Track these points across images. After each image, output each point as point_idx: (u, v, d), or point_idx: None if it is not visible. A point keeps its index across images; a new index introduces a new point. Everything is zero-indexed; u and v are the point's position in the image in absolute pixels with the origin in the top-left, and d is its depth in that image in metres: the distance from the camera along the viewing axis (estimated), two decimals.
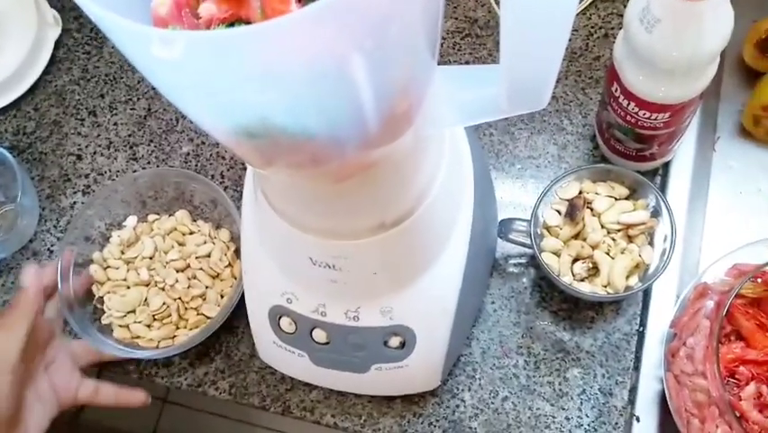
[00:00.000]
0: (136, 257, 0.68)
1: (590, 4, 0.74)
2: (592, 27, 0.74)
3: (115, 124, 0.78)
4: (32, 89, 0.80)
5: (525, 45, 0.34)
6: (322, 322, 0.57)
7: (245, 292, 0.60)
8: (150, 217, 0.71)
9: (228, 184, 0.74)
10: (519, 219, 0.63)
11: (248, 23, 0.34)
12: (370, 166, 0.43)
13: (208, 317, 0.66)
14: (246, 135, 0.34)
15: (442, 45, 0.75)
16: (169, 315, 0.66)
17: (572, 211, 0.61)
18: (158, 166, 0.76)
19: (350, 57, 0.30)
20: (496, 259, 0.68)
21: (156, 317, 0.66)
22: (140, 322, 0.66)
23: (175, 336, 0.66)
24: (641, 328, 0.65)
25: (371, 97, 0.34)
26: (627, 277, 0.61)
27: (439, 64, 0.40)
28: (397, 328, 0.56)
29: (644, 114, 0.58)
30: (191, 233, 0.70)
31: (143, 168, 0.76)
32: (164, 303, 0.66)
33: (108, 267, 0.69)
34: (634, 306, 0.65)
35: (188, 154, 0.76)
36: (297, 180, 0.45)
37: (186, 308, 0.67)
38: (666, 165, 0.69)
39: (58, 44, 0.82)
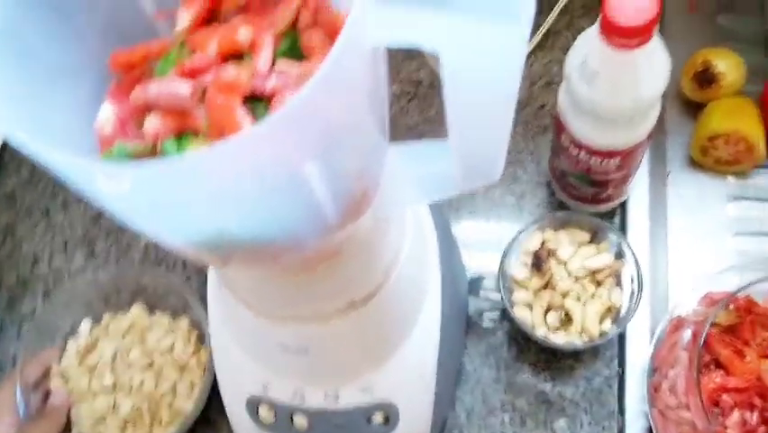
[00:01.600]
0: (97, 363, 0.66)
1: (530, 54, 0.76)
2: (534, 76, 0.76)
3: (70, 222, 0.77)
4: None
5: (470, 127, 0.34)
6: (301, 407, 0.55)
7: (219, 385, 0.59)
8: (105, 319, 0.69)
9: (190, 274, 0.73)
10: (487, 277, 0.63)
11: (195, 133, 0.34)
12: (334, 253, 0.43)
13: (181, 412, 0.64)
14: (201, 247, 0.33)
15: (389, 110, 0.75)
16: (141, 416, 0.64)
17: (538, 262, 0.62)
18: (117, 261, 0.75)
19: (302, 165, 0.30)
20: (469, 316, 0.68)
21: (128, 421, 0.64)
22: (113, 429, 0.64)
23: None
24: (620, 370, 0.65)
25: (327, 195, 0.34)
26: (600, 321, 0.61)
27: (390, 133, 0.40)
28: (378, 405, 0.55)
29: (595, 160, 0.59)
30: (150, 327, 0.68)
31: (103, 264, 0.75)
32: (134, 405, 0.64)
33: (69, 379, 0.66)
34: (611, 348, 0.65)
35: (147, 247, 0.75)
36: (259, 274, 0.44)
37: (158, 406, 0.65)
38: (623, 204, 0.70)
39: (3, 148, 0.81)
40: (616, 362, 0.65)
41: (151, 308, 0.70)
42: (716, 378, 0.60)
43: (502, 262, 0.62)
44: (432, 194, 0.43)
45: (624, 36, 0.48)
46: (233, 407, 0.58)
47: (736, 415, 0.59)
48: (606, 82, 0.52)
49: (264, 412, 0.57)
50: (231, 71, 0.32)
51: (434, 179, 0.42)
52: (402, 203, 0.45)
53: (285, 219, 0.33)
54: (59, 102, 0.34)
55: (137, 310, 0.69)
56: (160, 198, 0.28)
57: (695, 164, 0.71)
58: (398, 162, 0.43)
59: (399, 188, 0.43)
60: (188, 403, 0.64)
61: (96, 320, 0.69)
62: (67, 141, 0.33)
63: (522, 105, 0.75)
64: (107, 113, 0.35)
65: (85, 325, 0.69)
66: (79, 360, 0.67)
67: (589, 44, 0.52)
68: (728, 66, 0.69)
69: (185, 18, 0.34)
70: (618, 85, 0.52)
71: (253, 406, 0.57)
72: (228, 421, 0.60)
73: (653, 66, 0.52)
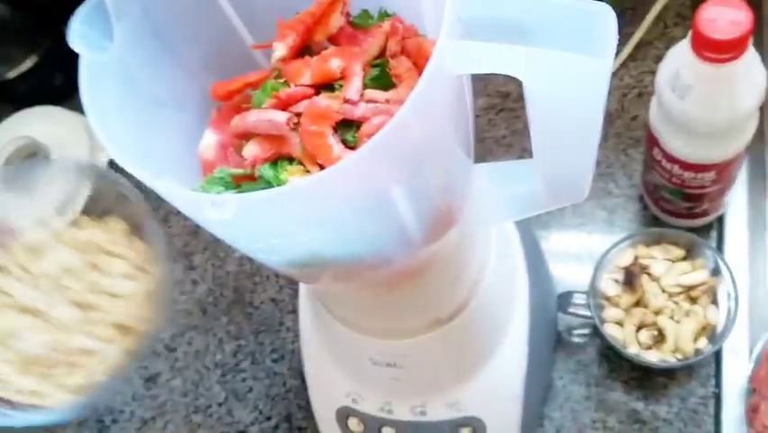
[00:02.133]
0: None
1: (621, 65, 0.75)
2: (625, 88, 0.75)
3: (171, 235, 0.81)
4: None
5: (554, 150, 0.34)
6: (389, 420, 0.57)
7: (310, 395, 0.61)
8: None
9: (283, 283, 0.75)
10: (577, 292, 0.63)
11: (290, 159, 0.35)
12: (420, 270, 0.44)
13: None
14: (296, 266, 0.35)
15: (477, 122, 0.76)
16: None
17: (630, 279, 0.60)
18: (214, 273, 0.78)
19: (390, 187, 0.31)
20: (559, 332, 0.67)
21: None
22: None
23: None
24: (717, 390, 0.63)
25: (413, 215, 0.35)
26: (695, 340, 0.59)
27: (476, 143, 0.41)
28: (465, 420, 0.56)
29: (690, 175, 0.57)
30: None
31: (201, 277, 0.78)
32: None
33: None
34: (707, 367, 0.63)
35: (242, 257, 0.78)
36: (346, 290, 0.46)
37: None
38: (720, 218, 0.68)
39: (110, 164, 0.86)
40: (712, 381, 0.63)
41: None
42: None
43: (593, 279, 0.61)
44: (517, 213, 0.44)
45: (717, 51, 0.47)
46: (323, 417, 0.60)
47: None
48: (699, 96, 0.51)
49: (353, 424, 0.58)
50: (322, 101, 0.33)
51: (519, 198, 0.43)
52: (487, 222, 0.45)
53: (373, 239, 0.35)
54: (165, 128, 0.37)
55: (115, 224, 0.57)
56: (260, 225, 0.29)
57: None
58: (484, 181, 0.43)
59: (485, 206, 0.43)
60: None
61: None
62: (172, 164, 0.36)
63: (613, 118, 0.74)
64: (209, 139, 0.38)
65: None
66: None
67: (681, 57, 0.51)
68: None
69: (280, 49, 0.36)
70: (713, 99, 0.51)
71: (343, 417, 0.58)
72: (315, 430, 0.61)
73: (748, 79, 0.50)
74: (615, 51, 0.29)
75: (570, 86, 0.29)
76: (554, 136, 0.33)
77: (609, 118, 0.74)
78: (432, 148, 0.33)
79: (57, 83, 0.89)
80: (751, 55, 0.50)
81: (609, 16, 0.28)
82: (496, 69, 0.29)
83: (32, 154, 0.82)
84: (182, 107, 0.37)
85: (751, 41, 0.49)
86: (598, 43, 0.28)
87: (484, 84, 0.78)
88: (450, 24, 0.28)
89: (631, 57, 0.75)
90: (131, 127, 0.32)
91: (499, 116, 0.77)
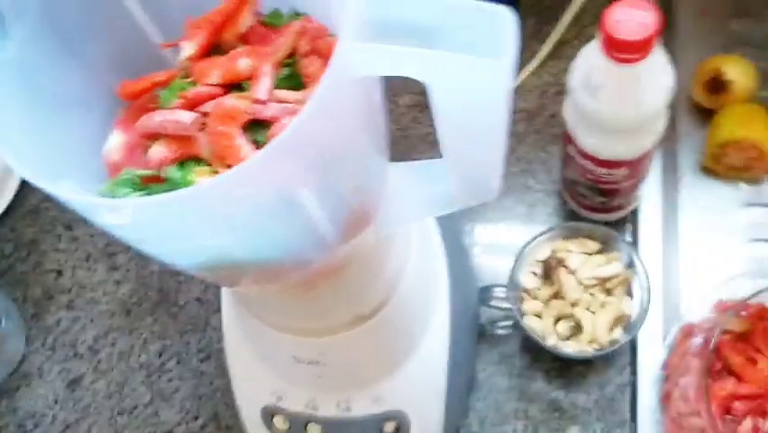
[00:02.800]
0: None
1: (541, 63, 0.77)
2: (545, 86, 0.76)
3: (92, 235, 0.79)
4: (7, 211, 0.81)
5: (462, 150, 0.35)
6: (315, 417, 0.57)
7: (234, 394, 0.60)
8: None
9: (208, 285, 0.74)
10: (498, 285, 0.64)
11: (197, 159, 0.35)
12: (339, 269, 0.44)
13: None
14: (205, 269, 0.35)
15: (401, 119, 0.77)
16: None
17: (547, 272, 0.62)
18: (137, 273, 0.76)
19: (300, 188, 0.32)
20: (482, 324, 0.69)
21: None
22: None
23: None
24: (633, 377, 0.65)
25: (326, 215, 0.35)
26: (611, 330, 0.61)
27: (401, 138, 0.41)
28: (390, 414, 0.56)
29: (603, 171, 0.59)
30: None
31: (124, 277, 0.77)
32: None
33: None
34: (623, 356, 0.66)
35: None
36: (267, 290, 0.46)
37: None
38: (635, 212, 0.70)
39: None
40: (628, 369, 0.65)
41: None
42: (728, 385, 0.60)
43: (512, 272, 0.63)
44: (433, 210, 0.44)
45: (625, 51, 0.49)
46: (248, 416, 0.60)
47: (748, 422, 0.59)
48: (609, 95, 0.52)
49: (279, 422, 0.58)
50: (229, 101, 0.33)
51: (434, 196, 0.43)
52: (405, 219, 0.46)
53: (285, 240, 0.35)
54: (69, 130, 0.36)
55: None
56: (160, 229, 0.29)
57: (707, 171, 0.71)
58: (400, 180, 0.44)
59: (401, 204, 0.44)
60: None
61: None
62: (77, 167, 0.35)
63: (533, 115, 0.75)
64: (116, 140, 0.37)
65: None
66: None
67: (591, 57, 0.52)
68: (739, 73, 0.69)
69: (187, 49, 0.35)
70: (622, 98, 0.52)
71: (268, 415, 0.58)
72: (242, 429, 0.61)
73: (656, 78, 0.52)
74: (516, 52, 0.30)
75: (471, 87, 0.29)
76: (460, 137, 0.34)
77: (529, 116, 0.75)
78: (341, 148, 0.33)
79: None
80: (658, 55, 0.52)
81: (508, 17, 0.29)
82: (398, 71, 0.30)
83: None
84: (88, 107, 0.36)
85: (659, 41, 0.51)
86: (499, 45, 0.29)
87: (407, 81, 0.79)
88: (351, 27, 0.29)
89: (550, 55, 0.77)
90: (31, 131, 0.31)
91: (424, 114, 0.77)
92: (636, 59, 0.50)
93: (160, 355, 0.72)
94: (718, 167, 0.70)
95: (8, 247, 0.80)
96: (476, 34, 0.29)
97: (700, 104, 0.72)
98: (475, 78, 0.29)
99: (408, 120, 0.77)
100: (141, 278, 0.76)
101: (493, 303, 0.64)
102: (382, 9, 0.30)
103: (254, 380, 0.58)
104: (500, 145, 0.35)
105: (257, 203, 0.30)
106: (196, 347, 0.72)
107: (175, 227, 0.29)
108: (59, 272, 0.78)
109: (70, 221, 0.81)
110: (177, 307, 0.73)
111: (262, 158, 0.27)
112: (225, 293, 0.58)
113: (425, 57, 0.28)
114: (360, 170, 0.37)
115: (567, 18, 0.76)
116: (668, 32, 0.77)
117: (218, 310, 0.72)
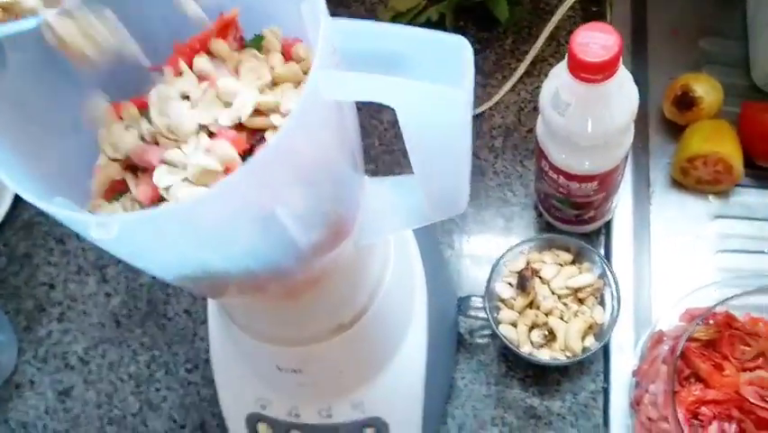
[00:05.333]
0: None
1: (518, 80, 0.79)
2: (522, 102, 0.79)
3: (83, 249, 0.81)
4: (1, 226, 0.83)
5: (429, 169, 0.37)
6: (297, 424, 0.59)
7: (220, 402, 0.62)
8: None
9: (196, 296, 0.76)
10: (475, 296, 0.66)
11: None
12: (319, 279, 0.46)
13: None
14: (189, 280, 0.37)
15: (385, 136, 0.79)
16: None
17: (522, 282, 0.65)
18: (127, 285, 0.78)
19: (275, 205, 0.34)
20: (461, 334, 0.71)
21: None
22: None
23: None
24: (605, 384, 0.67)
25: (303, 230, 0.38)
26: (583, 338, 0.64)
27: (384, 154, 0.43)
28: (369, 420, 0.58)
29: (574, 185, 0.62)
30: None
31: (114, 289, 0.78)
32: None
33: None
34: (596, 363, 0.68)
35: None
36: (248, 300, 0.48)
37: None
38: (608, 223, 0.72)
39: None
40: (601, 376, 0.68)
41: None
42: (695, 391, 0.62)
43: (488, 282, 0.65)
44: (408, 223, 0.47)
45: (590, 72, 0.52)
46: (232, 423, 0.61)
47: (714, 427, 0.61)
48: (577, 113, 0.55)
49: (263, 429, 0.60)
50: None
51: (409, 210, 0.46)
52: (381, 232, 0.48)
53: (264, 252, 0.37)
54: (62, 150, 0.38)
55: None
56: (145, 242, 0.31)
57: (677, 184, 0.74)
58: (377, 194, 0.46)
59: (378, 217, 0.46)
60: None
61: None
62: (70, 184, 0.37)
63: (510, 131, 0.78)
64: (105, 159, 0.39)
65: None
66: None
67: (560, 77, 0.55)
68: (706, 90, 0.72)
69: (168, 73, 0.38)
70: (589, 115, 0.55)
71: (252, 423, 0.60)
72: None
73: (621, 96, 0.55)
74: (472, 80, 0.32)
75: (431, 112, 0.32)
76: (425, 157, 0.36)
77: (507, 131, 0.78)
78: (316, 167, 0.36)
79: None
80: (622, 74, 0.55)
81: (464, 48, 0.31)
82: (367, 97, 0.32)
83: None
84: (79, 128, 0.38)
85: (625, 61, 0.54)
86: (458, 73, 0.32)
87: None
88: (323, 55, 0.31)
89: (527, 73, 0.80)
90: (24, 151, 0.33)
91: None
92: (602, 80, 0.52)
93: (149, 366, 0.74)
94: (688, 180, 0.73)
95: (1, 261, 0.82)
96: (440, 63, 0.32)
97: (671, 119, 0.75)
98: (434, 103, 0.31)
99: (391, 136, 0.80)
100: (131, 291, 0.78)
101: (471, 313, 0.66)
102: (352, 40, 0.32)
103: (239, 388, 0.59)
104: (463, 165, 0.38)
105: (235, 218, 0.32)
106: (183, 358, 0.74)
107: (158, 241, 0.31)
108: (51, 285, 0.80)
109: (62, 235, 0.83)
110: (165, 318, 0.75)
111: (240, 176, 0.29)
112: (211, 304, 0.60)
113: (389, 83, 0.31)
114: (336, 186, 0.39)
115: (543, 37, 0.79)
116: (640, 51, 0.80)
117: (205, 322, 0.74)
